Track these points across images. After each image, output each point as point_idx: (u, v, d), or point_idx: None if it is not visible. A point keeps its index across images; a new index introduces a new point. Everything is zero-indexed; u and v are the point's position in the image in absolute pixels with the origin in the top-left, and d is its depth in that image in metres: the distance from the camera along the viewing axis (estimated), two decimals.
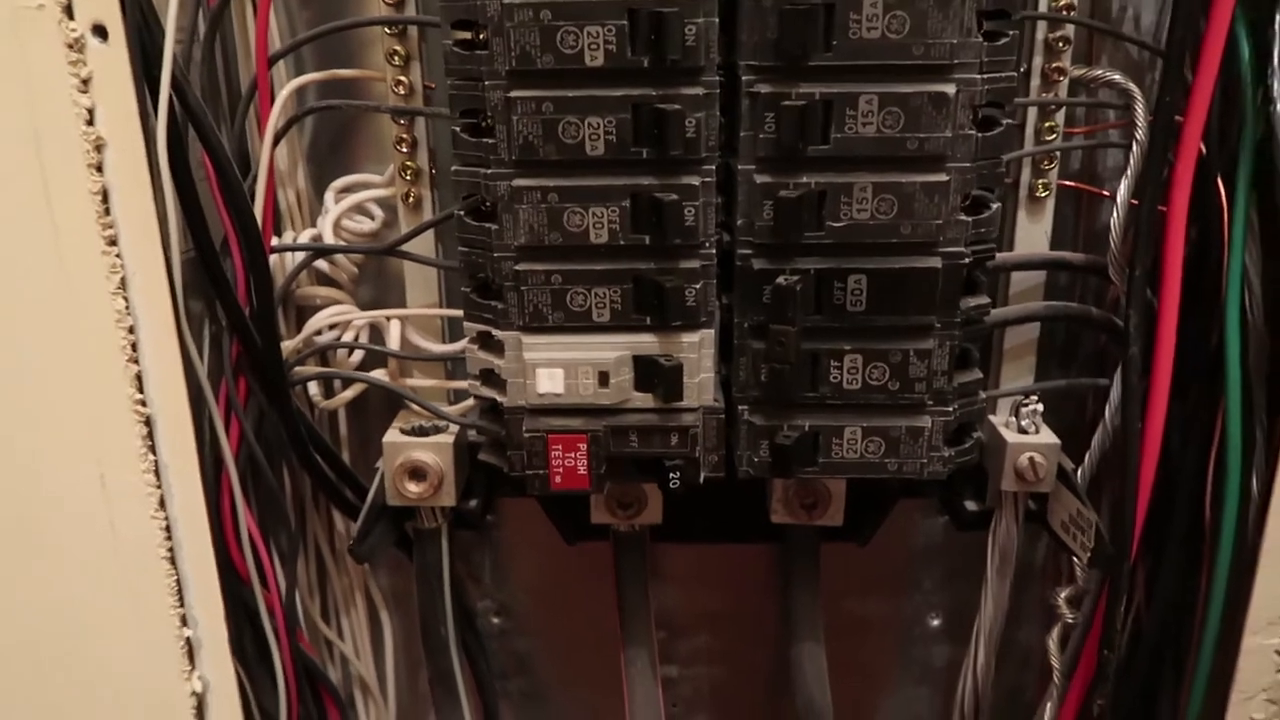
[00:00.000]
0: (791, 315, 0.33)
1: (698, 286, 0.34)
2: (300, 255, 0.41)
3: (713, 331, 0.35)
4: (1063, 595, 0.42)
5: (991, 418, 0.41)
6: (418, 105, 0.38)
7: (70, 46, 0.31)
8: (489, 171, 0.33)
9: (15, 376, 0.33)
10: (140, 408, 0.34)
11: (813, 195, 0.32)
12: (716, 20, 0.31)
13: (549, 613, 0.52)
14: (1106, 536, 0.37)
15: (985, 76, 0.32)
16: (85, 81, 0.31)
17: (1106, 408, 0.39)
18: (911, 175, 0.32)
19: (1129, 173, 0.37)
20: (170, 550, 0.36)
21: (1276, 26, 0.32)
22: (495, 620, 0.51)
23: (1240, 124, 0.33)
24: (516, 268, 0.34)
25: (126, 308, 0.33)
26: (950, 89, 0.31)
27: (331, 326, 0.41)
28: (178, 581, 0.36)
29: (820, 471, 0.36)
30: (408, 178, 0.40)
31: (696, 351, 0.34)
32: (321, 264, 0.42)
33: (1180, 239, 0.33)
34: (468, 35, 0.33)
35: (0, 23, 0.30)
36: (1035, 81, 0.38)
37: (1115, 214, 0.37)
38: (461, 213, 0.35)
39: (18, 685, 0.37)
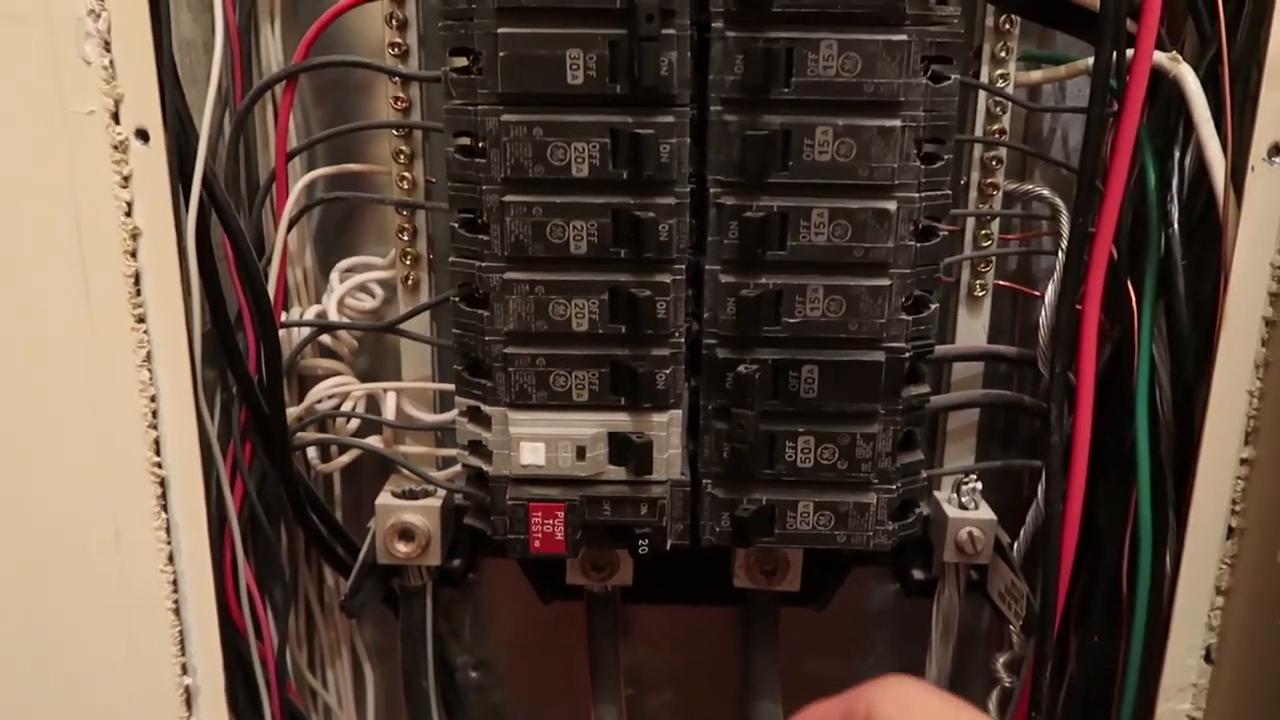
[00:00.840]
0: (751, 400, 0.37)
1: (668, 371, 0.37)
2: (306, 330, 0.45)
3: (681, 412, 0.38)
4: (1001, 661, 0.46)
5: (936, 494, 0.45)
6: (419, 199, 0.42)
7: (115, 148, 0.34)
8: (483, 264, 0.37)
9: (45, 440, 0.36)
10: (156, 469, 0.37)
11: (771, 294, 0.36)
12: (688, 140, 0.36)
13: (524, 668, 0.54)
14: (1036, 608, 0.40)
15: (923, 195, 0.36)
16: (126, 178, 0.35)
17: (1039, 488, 0.43)
18: (858, 279, 0.36)
19: (1055, 276, 0.41)
20: (176, 602, 0.39)
21: (1174, 160, 0.37)
22: (473, 674, 0.54)
23: (1147, 239, 0.38)
24: (505, 350, 0.38)
25: (150, 378, 0.36)
26: (891, 205, 0.36)
27: (331, 396, 0.45)
28: (181, 633, 0.39)
29: (776, 541, 0.39)
30: (408, 262, 0.43)
31: (665, 430, 0.38)
32: (325, 338, 0.45)
33: (1093, 337, 0.37)
34: (467, 143, 0.37)
35: (54, 125, 0.34)
36: (973, 194, 0.42)
37: (1044, 313, 0.41)
38: (456, 299, 0.39)
39: None
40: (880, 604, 0.53)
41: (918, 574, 0.45)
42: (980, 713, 0.27)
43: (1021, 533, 0.44)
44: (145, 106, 0.34)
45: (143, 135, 0.35)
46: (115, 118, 0.34)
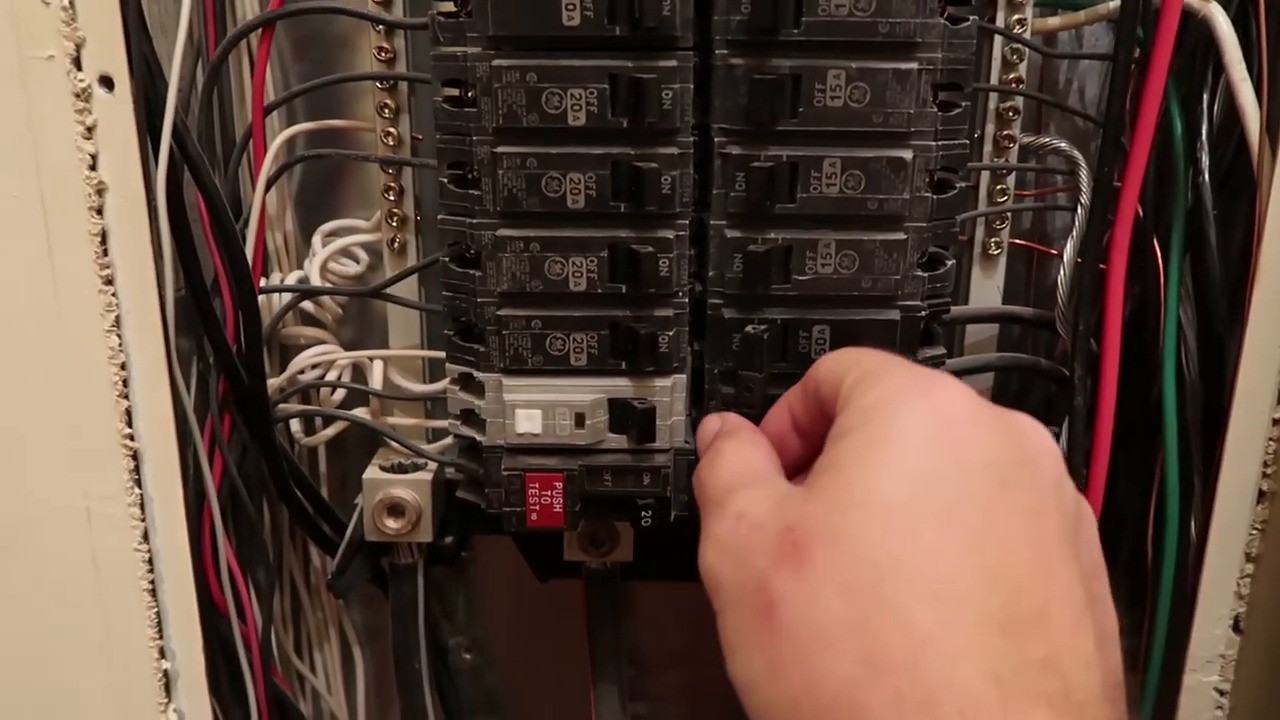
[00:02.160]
0: (759, 362, 0.35)
1: (671, 334, 0.35)
2: (287, 296, 0.42)
3: (685, 376, 0.36)
4: None
5: None
6: (405, 156, 0.40)
7: (77, 96, 0.32)
8: (474, 221, 0.35)
9: (7, 411, 0.34)
10: (129, 442, 0.35)
11: (780, 250, 0.34)
12: (691, 86, 0.33)
13: (519, 649, 0.52)
14: None
15: (940, 143, 0.34)
16: (90, 129, 0.33)
17: None
18: (871, 234, 0.34)
19: (1074, 234, 0.39)
20: (152, 583, 0.37)
21: (1204, 105, 0.35)
22: (466, 656, 0.52)
23: (1174, 191, 0.36)
24: (499, 313, 0.35)
25: (120, 345, 0.34)
26: (907, 154, 0.34)
27: (315, 366, 0.43)
28: (158, 614, 0.37)
29: None
30: (394, 224, 0.41)
31: (669, 395, 0.36)
32: (307, 305, 0.43)
33: (1119, 297, 0.36)
34: (457, 92, 0.35)
35: (9, 71, 0.32)
36: (988, 147, 0.40)
37: (1062, 272, 0.39)
38: (446, 259, 0.36)
39: None
40: None
41: None
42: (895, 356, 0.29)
43: None
44: (109, 51, 0.32)
45: (107, 83, 0.32)
46: (77, 63, 0.32)
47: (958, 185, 0.36)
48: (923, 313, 0.36)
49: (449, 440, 0.42)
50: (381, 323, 0.43)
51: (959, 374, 0.43)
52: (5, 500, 0.35)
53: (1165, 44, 0.33)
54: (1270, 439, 0.35)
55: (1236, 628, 0.37)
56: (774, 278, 0.35)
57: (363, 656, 0.50)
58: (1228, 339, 0.36)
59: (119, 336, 0.34)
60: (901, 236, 0.35)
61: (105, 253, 0.34)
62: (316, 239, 0.43)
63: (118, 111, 0.32)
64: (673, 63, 0.33)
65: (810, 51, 0.33)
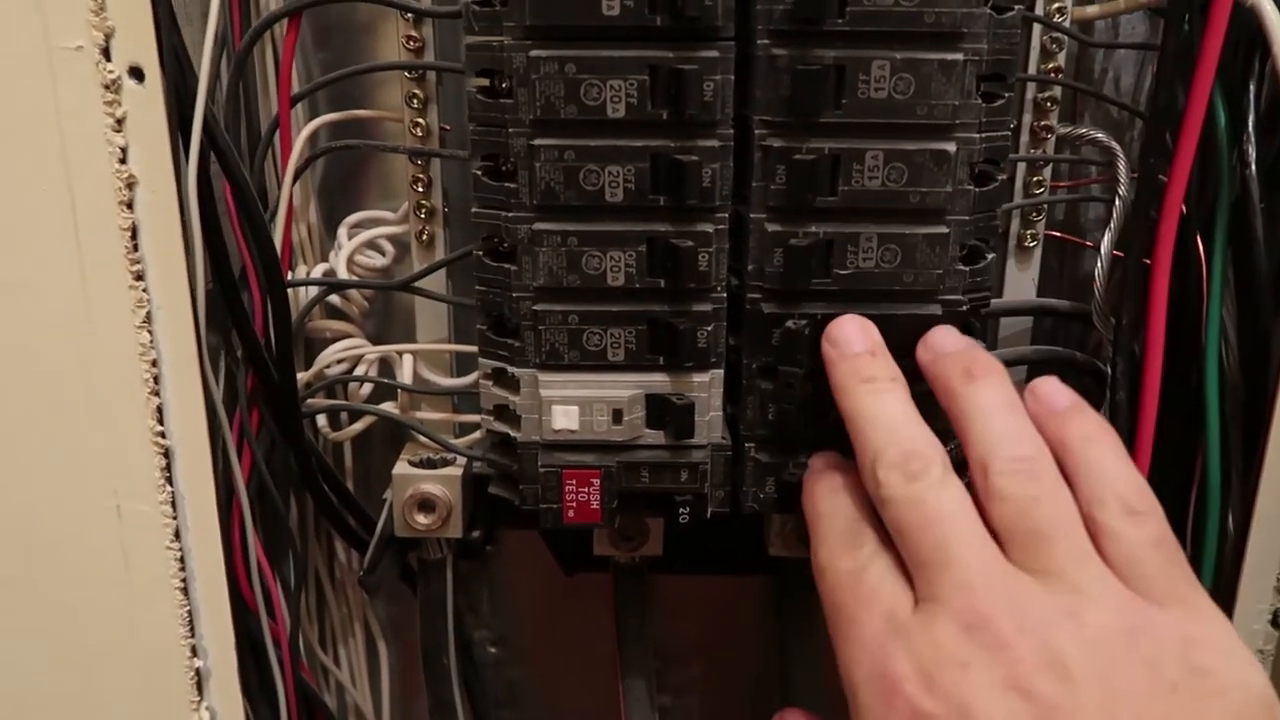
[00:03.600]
0: (799, 357, 0.34)
1: (709, 328, 0.35)
2: (314, 289, 0.42)
3: (722, 372, 0.36)
4: None
5: None
6: (434, 146, 0.40)
7: (106, 87, 0.31)
8: (509, 215, 0.34)
9: (38, 408, 0.34)
10: (160, 439, 0.35)
11: (821, 244, 0.34)
12: (732, 77, 0.33)
13: (545, 643, 0.52)
14: None
15: (983, 135, 0.34)
16: (120, 121, 0.32)
17: None
18: (914, 227, 0.34)
19: (1111, 225, 0.39)
20: (184, 581, 0.36)
21: (1250, 95, 0.35)
22: (492, 650, 0.52)
23: (1217, 184, 0.36)
24: (535, 307, 0.35)
25: (151, 341, 0.34)
26: (951, 147, 0.33)
27: (342, 360, 0.42)
28: (189, 613, 0.37)
29: None
30: (421, 216, 0.41)
31: (707, 390, 0.36)
32: (333, 298, 0.43)
33: (1164, 291, 0.35)
34: (490, 83, 0.34)
35: (37, 62, 0.31)
36: (1024, 138, 0.40)
37: (1099, 264, 0.39)
38: (480, 253, 0.36)
39: (24, 714, 0.37)
40: None
41: None
42: None
43: None
44: (139, 41, 0.31)
45: (137, 74, 0.32)
46: (106, 54, 0.31)
47: (999, 178, 0.35)
48: (964, 307, 0.35)
49: (477, 434, 0.42)
50: (408, 316, 0.43)
51: None
52: (36, 500, 0.35)
53: (1216, 34, 0.32)
54: None
55: (1275, 623, 0.37)
56: (814, 272, 0.34)
57: (387, 650, 0.50)
58: (1271, 333, 0.35)
59: (150, 333, 0.34)
60: (944, 230, 0.34)
61: (135, 248, 0.33)
62: (342, 231, 0.42)
63: (148, 103, 0.32)
64: (714, 53, 0.32)
65: (854, 42, 0.32)
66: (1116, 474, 0.29)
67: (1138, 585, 0.27)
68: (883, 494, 0.29)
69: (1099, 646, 0.25)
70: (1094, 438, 0.30)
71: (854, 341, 0.33)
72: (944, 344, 0.33)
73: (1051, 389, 0.32)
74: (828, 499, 0.32)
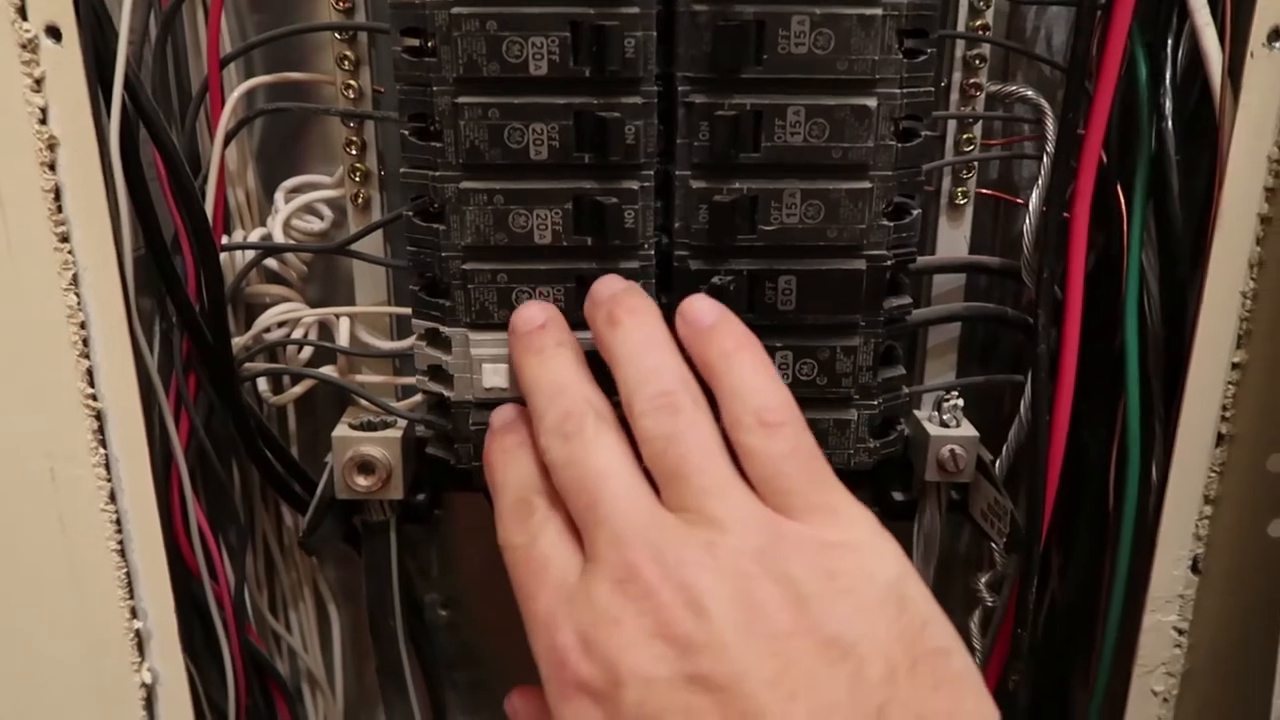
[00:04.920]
0: None
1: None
2: (250, 253, 0.42)
3: None
4: (983, 581, 0.45)
5: (916, 413, 0.44)
6: (367, 109, 0.39)
7: (24, 47, 0.31)
8: (436, 174, 0.35)
9: None
10: (91, 402, 0.35)
11: (745, 200, 0.34)
12: (655, 34, 0.33)
13: (495, 605, 0.53)
14: (1021, 523, 0.39)
15: (905, 91, 0.34)
16: (38, 81, 0.32)
17: (1021, 403, 0.41)
18: (837, 182, 0.34)
19: (1040, 182, 0.39)
20: (120, 543, 0.36)
21: (1169, 50, 0.35)
22: (442, 613, 0.52)
23: (1137, 138, 0.36)
24: (464, 267, 0.35)
25: (78, 303, 0.34)
26: (872, 102, 0.34)
27: (281, 324, 0.42)
28: (127, 574, 0.37)
29: None
30: (357, 179, 0.41)
31: None
32: (271, 262, 0.43)
33: (1083, 244, 0.36)
34: (416, 42, 0.34)
35: None
36: (954, 96, 0.40)
37: (1028, 221, 0.39)
38: (410, 214, 0.36)
39: None
40: None
41: (897, 495, 0.44)
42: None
43: (1004, 450, 0.43)
44: (55, 0, 0.31)
45: (54, 33, 0.32)
46: (21, 12, 0.31)
47: (923, 134, 0.36)
48: (889, 262, 0.36)
49: (418, 398, 0.42)
50: (347, 280, 0.43)
51: (926, 324, 0.43)
52: None
53: None
54: (1229, 383, 0.36)
55: (1195, 568, 0.38)
56: (740, 228, 0.35)
57: (338, 615, 0.50)
58: (1189, 285, 0.36)
59: (77, 295, 0.34)
60: (867, 185, 0.35)
61: (60, 209, 0.33)
62: (279, 195, 0.42)
63: (67, 62, 0.32)
64: (635, 9, 0.32)
65: None
66: (753, 388, 0.29)
67: (776, 501, 0.28)
68: (547, 459, 0.30)
69: (731, 574, 0.26)
70: (731, 353, 0.30)
71: (530, 320, 0.33)
72: (598, 291, 0.33)
73: (699, 307, 0.32)
74: (501, 466, 0.32)
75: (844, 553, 0.27)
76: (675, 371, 0.30)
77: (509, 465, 0.32)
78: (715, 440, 0.29)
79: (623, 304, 0.32)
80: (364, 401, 0.42)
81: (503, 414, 0.34)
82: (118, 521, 0.36)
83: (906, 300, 0.38)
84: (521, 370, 0.32)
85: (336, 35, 0.38)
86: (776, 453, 0.28)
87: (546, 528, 0.30)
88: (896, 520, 0.45)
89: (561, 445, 0.29)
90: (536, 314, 0.33)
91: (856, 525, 0.28)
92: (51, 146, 0.32)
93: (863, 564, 0.27)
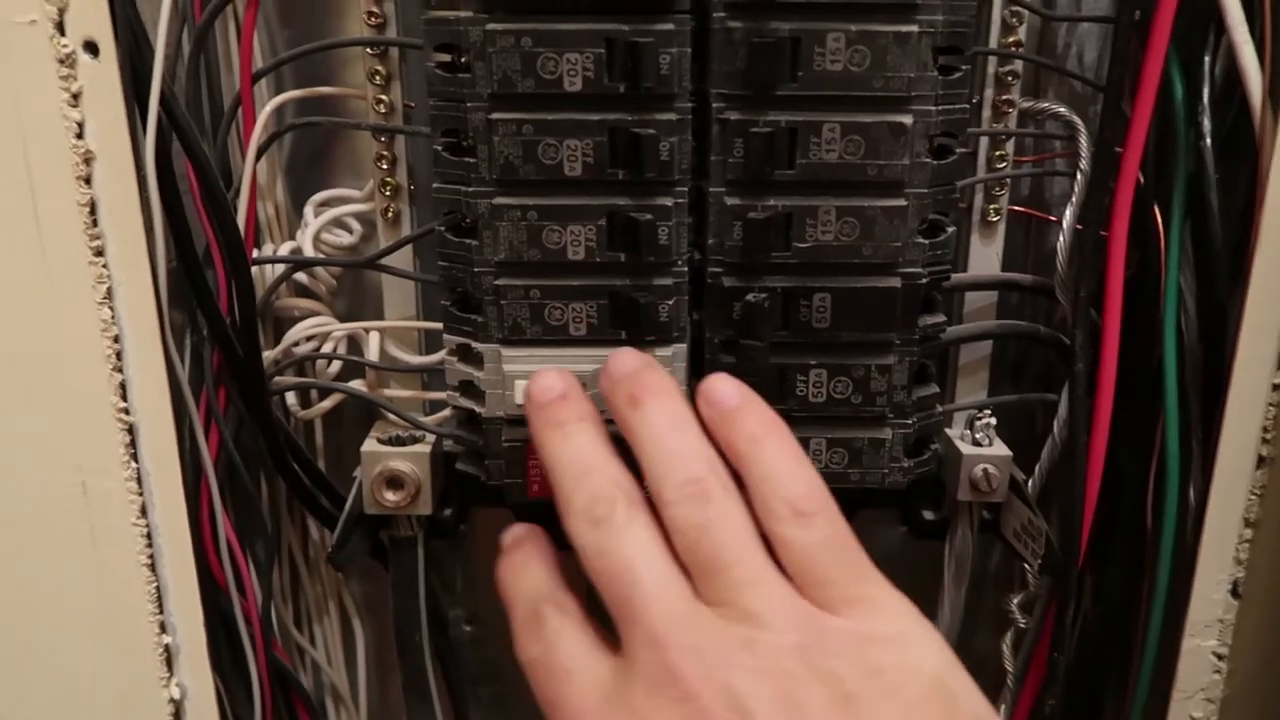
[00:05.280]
0: (761, 331, 0.35)
1: (671, 302, 0.35)
2: (280, 267, 0.42)
3: (685, 346, 0.36)
4: (1015, 602, 0.44)
5: (947, 431, 0.43)
6: (398, 123, 0.40)
7: (61, 62, 0.31)
8: (470, 189, 0.35)
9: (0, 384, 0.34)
10: (124, 415, 0.35)
11: (780, 217, 0.34)
12: (689, 50, 0.33)
13: None
14: (1056, 545, 0.39)
15: (940, 108, 0.34)
16: (75, 96, 0.32)
17: (1055, 422, 0.41)
18: (872, 200, 0.34)
19: (1074, 199, 0.39)
20: (151, 557, 0.36)
21: (1205, 67, 0.35)
22: (467, 628, 0.52)
23: (1174, 156, 0.36)
24: (496, 282, 0.35)
25: (112, 317, 0.34)
26: (907, 119, 0.33)
27: (310, 338, 0.42)
28: (157, 589, 0.37)
29: None
30: (387, 193, 0.41)
31: (670, 365, 0.36)
32: (300, 276, 0.43)
33: (1121, 263, 0.35)
34: (449, 58, 0.34)
35: None
36: (986, 113, 0.40)
37: (1062, 238, 0.39)
38: (442, 229, 0.36)
39: None
40: (885, 547, 0.51)
41: (928, 514, 0.44)
42: None
43: (1036, 469, 0.42)
44: (93, 15, 0.31)
45: (91, 48, 0.32)
46: (60, 28, 0.31)
47: (958, 151, 0.35)
48: (924, 279, 0.35)
49: (447, 412, 0.42)
50: (376, 294, 0.43)
51: (958, 341, 0.43)
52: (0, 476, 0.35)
53: (1168, 6, 0.32)
54: (1270, 404, 0.35)
55: (1235, 593, 0.37)
56: (774, 245, 0.34)
57: (363, 629, 0.50)
58: (1228, 304, 0.36)
59: (111, 309, 0.34)
60: (902, 203, 0.34)
61: (95, 223, 0.33)
62: (308, 209, 0.42)
63: (104, 77, 0.32)
64: (670, 26, 0.32)
65: (809, 14, 0.32)
66: (783, 475, 0.28)
67: (814, 593, 0.27)
68: (576, 545, 0.29)
69: (773, 674, 0.25)
70: (759, 438, 0.29)
71: (549, 390, 0.31)
72: (615, 368, 0.31)
73: (720, 388, 0.30)
74: (511, 584, 0.31)
75: (887, 647, 0.26)
76: (704, 456, 0.29)
77: (518, 581, 0.31)
78: (749, 529, 0.28)
79: (643, 383, 0.30)
80: (392, 416, 0.42)
81: (513, 533, 0.33)
82: (148, 536, 0.36)
83: (941, 318, 0.37)
84: (543, 446, 0.31)
85: (368, 50, 0.39)
86: (812, 542, 0.27)
87: (562, 635, 0.29)
88: (926, 539, 0.45)
89: (591, 531, 0.28)
90: (555, 383, 0.31)
91: (898, 617, 0.27)
92: (88, 161, 0.33)
93: (907, 659, 0.26)
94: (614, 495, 0.28)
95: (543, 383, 0.32)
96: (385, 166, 0.40)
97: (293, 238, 0.43)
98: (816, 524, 0.28)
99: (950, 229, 0.36)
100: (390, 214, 0.41)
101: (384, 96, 0.39)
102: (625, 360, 0.32)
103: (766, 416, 0.30)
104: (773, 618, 0.26)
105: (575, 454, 0.30)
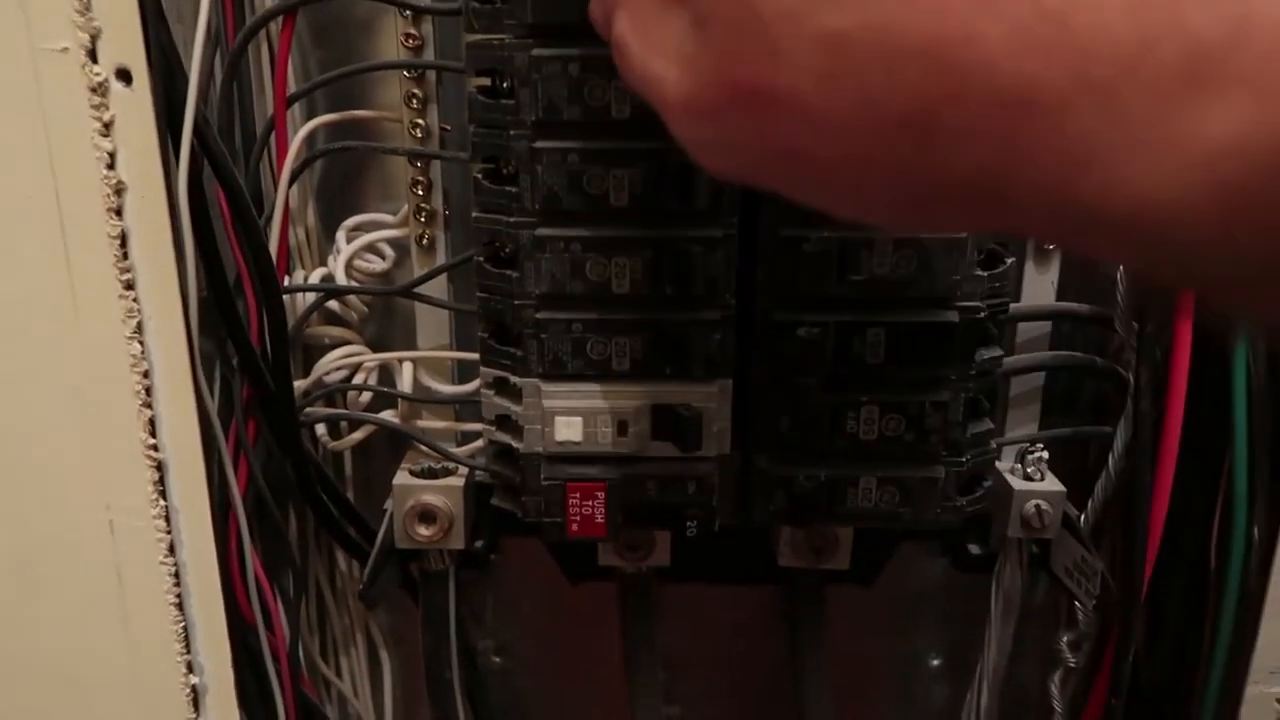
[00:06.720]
0: (813, 366, 0.33)
1: (718, 337, 0.34)
2: (311, 296, 0.41)
3: (731, 382, 0.35)
4: (1065, 639, 0.43)
5: (997, 464, 0.42)
6: (434, 147, 0.38)
7: (93, 90, 0.30)
8: (511, 219, 0.33)
9: (27, 421, 0.33)
10: (153, 453, 0.34)
11: (834, 249, 0.33)
12: None
13: (549, 652, 0.51)
14: (1112, 584, 0.37)
15: None
16: (107, 125, 0.31)
17: (1110, 456, 0.39)
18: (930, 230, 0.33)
19: None
20: (179, 596, 0.35)
21: None
22: (495, 659, 0.51)
23: None
24: (537, 315, 0.34)
25: (142, 351, 0.33)
26: None
27: (340, 367, 0.41)
28: (185, 628, 0.36)
29: (836, 520, 0.36)
30: (422, 219, 0.39)
31: (716, 401, 0.34)
32: (332, 304, 0.42)
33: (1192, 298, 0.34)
34: (491, 83, 0.33)
35: (21, 64, 0.30)
36: None
37: (1122, 268, 0.38)
38: (480, 259, 0.35)
39: None
40: (928, 580, 0.50)
41: (974, 549, 0.42)
42: None
43: (1089, 504, 0.41)
44: (126, 43, 0.30)
45: (124, 76, 0.31)
46: (92, 56, 0.30)
47: None
48: (982, 313, 0.34)
49: (479, 443, 0.41)
50: (408, 319, 0.42)
51: (1014, 373, 0.41)
52: (27, 515, 0.34)
53: None
54: None
55: None
56: (827, 278, 0.33)
57: (389, 660, 0.49)
58: None
59: (141, 343, 0.33)
60: (962, 234, 0.33)
61: (125, 256, 0.32)
62: (340, 235, 0.41)
63: (136, 106, 0.31)
64: None
65: None
66: None
67: None
68: None
69: None
70: None
71: None
72: None
73: None
74: None
75: None
76: None
77: None
78: None
79: None
80: (424, 447, 0.41)
81: None
82: (176, 574, 0.35)
83: (998, 352, 0.36)
84: None
85: (405, 73, 0.37)
86: None
87: None
88: (972, 573, 0.43)
89: None
90: None
91: None
92: (119, 191, 0.31)
93: None
94: None
95: None
96: (420, 192, 0.39)
97: (324, 263, 0.42)
98: None
99: (1009, 260, 0.35)
100: (425, 240, 0.40)
101: (420, 120, 0.38)
102: None
103: None
104: None
105: None
